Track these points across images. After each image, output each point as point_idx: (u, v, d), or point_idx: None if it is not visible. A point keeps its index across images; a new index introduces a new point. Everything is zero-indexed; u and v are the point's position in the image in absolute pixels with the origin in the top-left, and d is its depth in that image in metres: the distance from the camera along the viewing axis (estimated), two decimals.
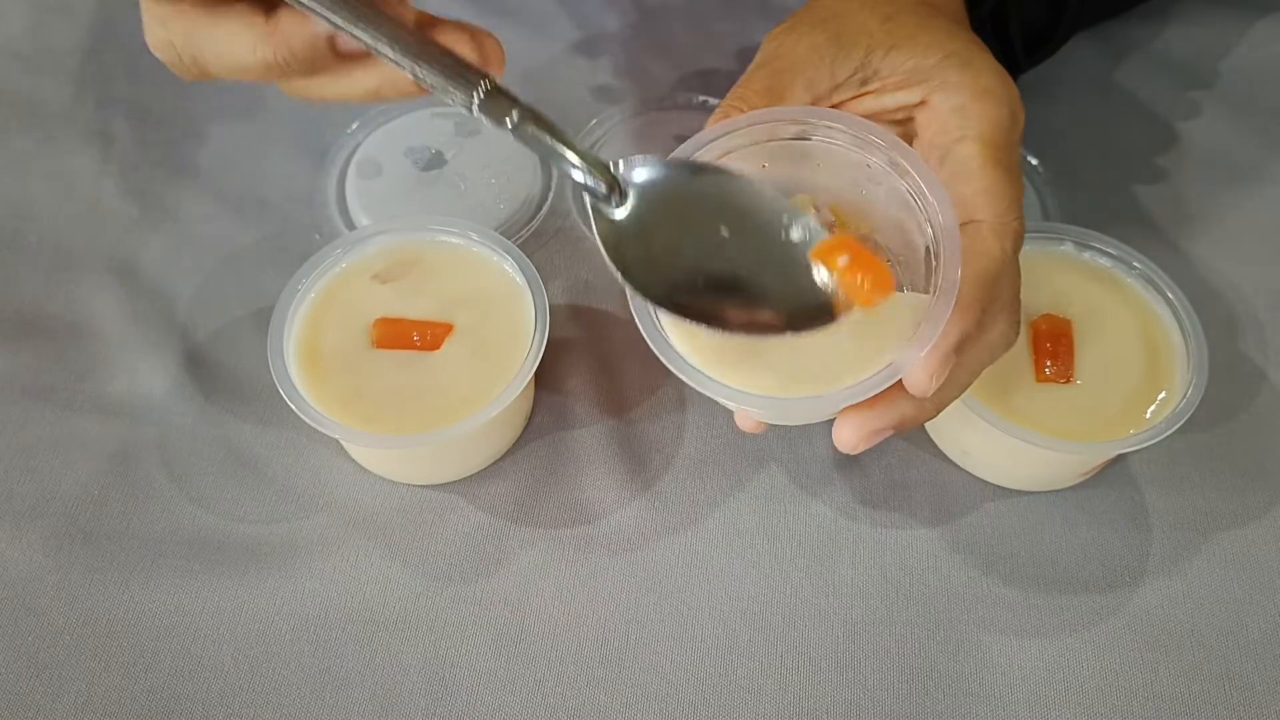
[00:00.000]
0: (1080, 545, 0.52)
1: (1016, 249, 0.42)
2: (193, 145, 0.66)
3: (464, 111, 0.36)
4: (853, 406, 0.41)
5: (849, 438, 0.41)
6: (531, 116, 0.36)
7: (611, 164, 0.39)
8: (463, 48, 0.36)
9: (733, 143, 0.42)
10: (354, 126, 0.65)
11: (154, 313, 0.59)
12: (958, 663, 0.49)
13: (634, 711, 0.48)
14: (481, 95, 0.35)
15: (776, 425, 0.54)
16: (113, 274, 0.60)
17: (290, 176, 0.64)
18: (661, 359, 0.40)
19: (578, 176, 0.38)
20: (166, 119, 0.67)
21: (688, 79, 0.69)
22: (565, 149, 0.37)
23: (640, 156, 0.40)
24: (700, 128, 0.43)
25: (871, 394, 0.39)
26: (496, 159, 0.63)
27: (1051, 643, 0.49)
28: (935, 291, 0.39)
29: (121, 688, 0.48)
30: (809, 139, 0.43)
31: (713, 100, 0.66)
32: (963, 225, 0.41)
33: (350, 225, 0.62)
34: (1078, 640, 0.49)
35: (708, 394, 0.40)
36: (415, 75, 0.35)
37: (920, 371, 0.39)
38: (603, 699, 0.48)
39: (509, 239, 0.54)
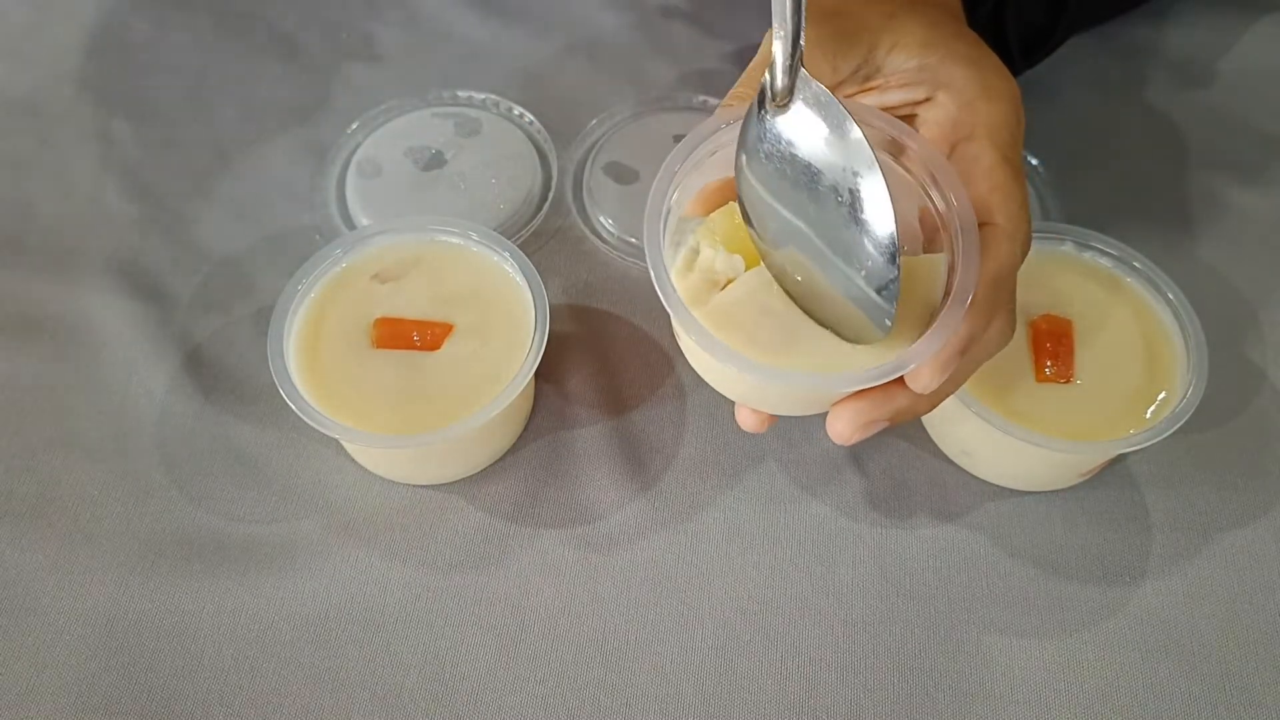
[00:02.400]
0: (1080, 545, 0.52)
1: (1026, 252, 0.42)
2: (192, 145, 0.66)
3: None
4: (848, 397, 0.41)
5: (843, 429, 0.41)
6: None
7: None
8: None
9: (720, 140, 0.42)
10: (354, 126, 0.65)
11: (154, 313, 0.59)
12: (958, 663, 0.49)
13: (634, 711, 0.48)
14: None
15: (779, 424, 0.54)
16: (113, 274, 0.60)
17: (290, 176, 0.64)
18: (668, 307, 0.39)
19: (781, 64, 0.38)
20: (166, 119, 0.67)
21: (688, 78, 0.69)
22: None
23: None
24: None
25: (872, 384, 0.39)
26: (496, 159, 0.63)
27: (1051, 643, 0.49)
28: (951, 295, 0.39)
29: (121, 688, 0.48)
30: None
31: (713, 100, 0.66)
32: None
33: (350, 225, 0.62)
34: (1078, 640, 0.49)
35: (702, 347, 0.39)
36: None
37: (926, 372, 0.39)
38: (603, 699, 0.48)
39: (509, 239, 0.54)
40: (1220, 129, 0.66)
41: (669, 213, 0.41)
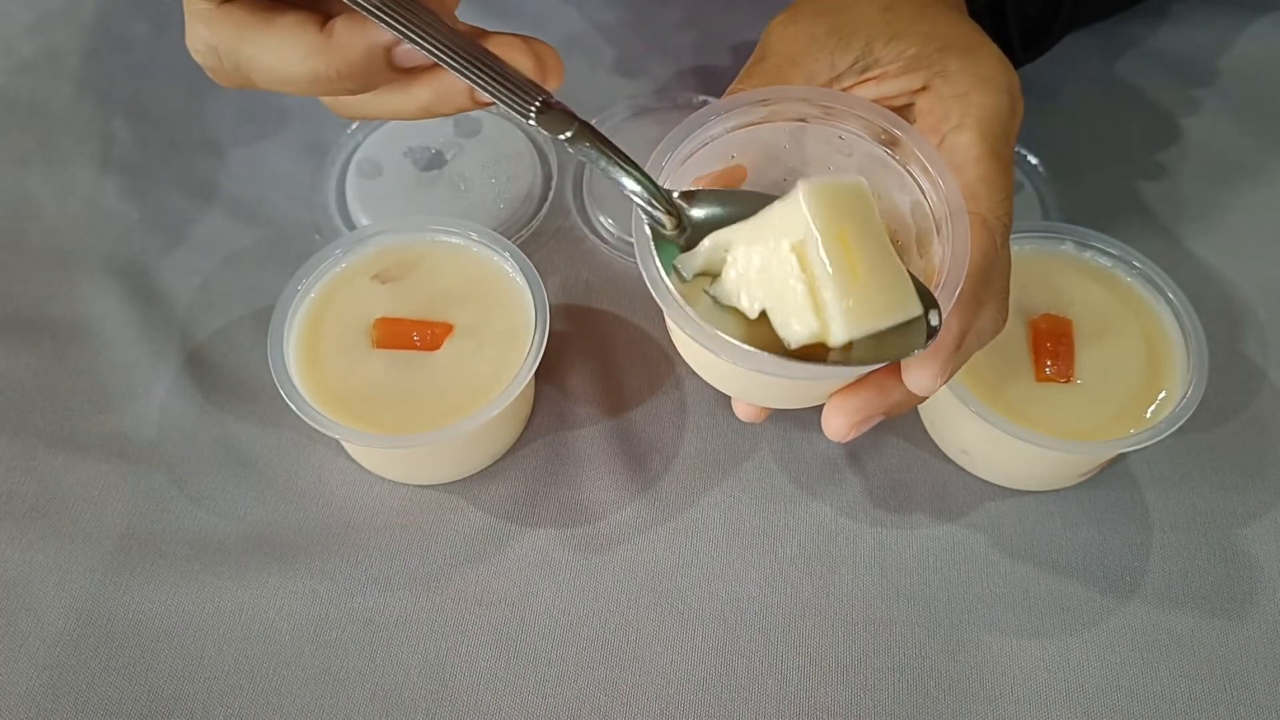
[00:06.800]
0: (1080, 545, 0.52)
1: (1006, 241, 0.42)
2: (192, 145, 0.66)
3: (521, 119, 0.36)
4: (842, 393, 0.41)
5: (840, 425, 0.41)
6: (587, 133, 0.36)
7: (673, 194, 0.39)
8: (522, 60, 0.35)
9: (709, 133, 0.42)
10: (354, 126, 0.65)
11: (154, 313, 0.59)
12: (958, 663, 0.49)
13: (634, 711, 0.48)
14: (536, 109, 0.35)
15: (779, 425, 0.54)
16: (113, 274, 0.60)
17: (290, 176, 0.64)
18: (667, 315, 0.39)
19: (637, 200, 0.38)
20: (166, 119, 0.67)
21: (686, 76, 0.69)
22: (623, 171, 0.37)
23: (698, 190, 0.40)
24: None
25: (868, 371, 0.40)
26: (496, 159, 0.63)
27: (1051, 643, 0.49)
28: (941, 283, 0.39)
29: (121, 688, 0.48)
30: (776, 121, 0.43)
31: (713, 99, 0.66)
32: None
33: (350, 225, 0.62)
34: (1078, 640, 0.49)
35: (695, 339, 0.39)
36: (475, 85, 0.34)
37: (926, 374, 0.39)
38: (603, 699, 0.48)
39: (509, 239, 0.54)
40: (1220, 129, 0.66)
41: None
